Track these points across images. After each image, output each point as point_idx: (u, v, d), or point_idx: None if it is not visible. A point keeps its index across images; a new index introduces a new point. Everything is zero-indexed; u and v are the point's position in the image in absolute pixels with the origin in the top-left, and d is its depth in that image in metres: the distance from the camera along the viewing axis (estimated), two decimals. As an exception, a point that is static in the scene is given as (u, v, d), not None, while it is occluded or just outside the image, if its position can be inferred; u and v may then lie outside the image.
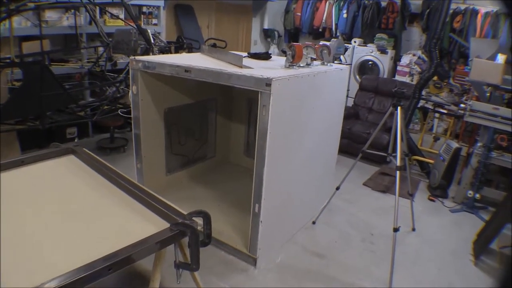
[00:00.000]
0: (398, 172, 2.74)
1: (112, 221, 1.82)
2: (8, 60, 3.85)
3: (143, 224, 1.75)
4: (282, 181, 2.71)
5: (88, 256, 1.46)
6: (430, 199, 4.07)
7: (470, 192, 3.80)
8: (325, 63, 3.09)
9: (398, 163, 2.76)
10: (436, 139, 5.43)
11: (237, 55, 2.64)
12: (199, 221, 1.70)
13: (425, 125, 5.54)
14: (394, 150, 2.90)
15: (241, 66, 2.56)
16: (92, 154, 2.57)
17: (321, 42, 7.35)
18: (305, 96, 2.69)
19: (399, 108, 2.82)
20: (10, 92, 3.82)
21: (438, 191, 4.16)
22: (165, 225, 1.70)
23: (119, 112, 3.93)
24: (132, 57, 3.03)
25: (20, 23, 4.42)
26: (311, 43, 2.91)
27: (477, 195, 3.80)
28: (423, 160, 4.69)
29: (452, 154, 4.05)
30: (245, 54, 3.38)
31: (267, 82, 2.22)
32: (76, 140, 5.16)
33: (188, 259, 1.71)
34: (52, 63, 4.87)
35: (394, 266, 2.65)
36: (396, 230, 2.66)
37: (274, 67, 2.73)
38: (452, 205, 3.94)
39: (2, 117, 3.35)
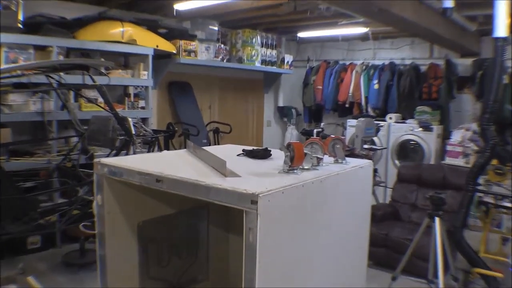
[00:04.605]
0: (441, 309, 2.53)
1: None
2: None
3: None
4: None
5: None
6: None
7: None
8: (339, 161, 3.01)
9: (442, 295, 2.56)
10: (504, 239, 5.15)
11: (220, 159, 2.59)
12: None
13: (487, 223, 5.27)
14: (436, 274, 2.70)
15: (225, 174, 2.50)
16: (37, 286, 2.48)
17: (348, 121, 7.41)
18: (310, 209, 2.57)
19: (437, 219, 2.67)
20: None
21: (512, 319, 3.83)
22: None
23: (80, 227, 3.89)
24: (96, 160, 3.03)
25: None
26: (317, 138, 2.87)
27: None
28: (488, 274, 4.39)
29: (526, 267, 3.78)
30: (241, 150, 3.37)
31: (252, 199, 2.13)
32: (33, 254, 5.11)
33: None
34: (12, 157, 4.98)
35: None
36: None
37: (270, 172, 2.66)
38: None
39: None
